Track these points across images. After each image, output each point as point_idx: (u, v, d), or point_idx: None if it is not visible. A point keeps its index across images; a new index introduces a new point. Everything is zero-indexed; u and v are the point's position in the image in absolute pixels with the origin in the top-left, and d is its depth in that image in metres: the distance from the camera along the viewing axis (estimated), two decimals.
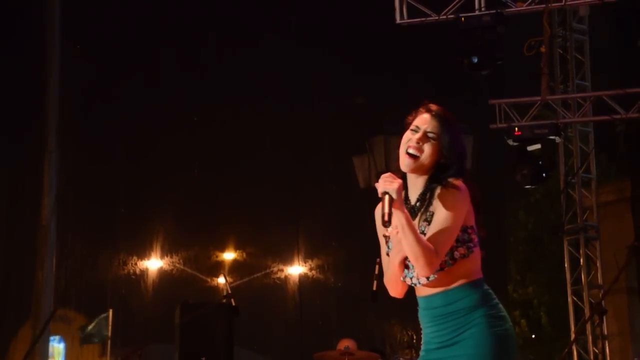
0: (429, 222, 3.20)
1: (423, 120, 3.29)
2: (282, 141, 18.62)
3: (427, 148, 3.25)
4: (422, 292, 3.28)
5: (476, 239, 3.25)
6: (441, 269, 3.19)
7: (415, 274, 3.24)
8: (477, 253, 3.25)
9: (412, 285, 3.29)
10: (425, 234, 3.17)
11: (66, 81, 15.77)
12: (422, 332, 3.37)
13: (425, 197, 3.26)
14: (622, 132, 13.70)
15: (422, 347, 3.35)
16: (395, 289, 3.35)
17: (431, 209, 3.22)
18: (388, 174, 3.19)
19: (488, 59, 8.88)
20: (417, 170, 3.26)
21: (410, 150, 3.24)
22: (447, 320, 3.22)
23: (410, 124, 3.31)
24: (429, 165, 3.26)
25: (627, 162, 12.84)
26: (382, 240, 3.39)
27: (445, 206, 3.19)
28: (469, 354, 3.17)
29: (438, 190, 3.23)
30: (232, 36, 18.32)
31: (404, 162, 3.25)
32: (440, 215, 3.19)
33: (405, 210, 3.12)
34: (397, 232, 3.17)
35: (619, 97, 9.75)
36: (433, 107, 3.33)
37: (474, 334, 3.19)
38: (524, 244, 18.00)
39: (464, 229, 3.22)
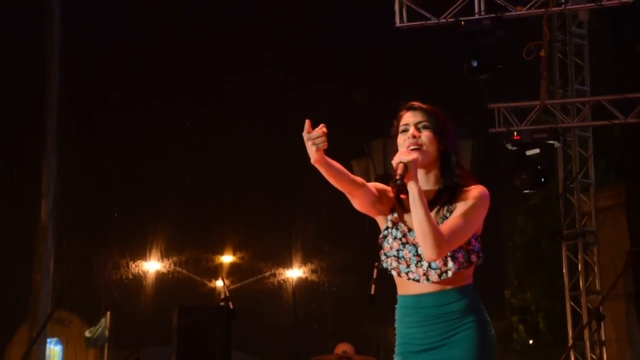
0: (447, 219, 3.18)
1: (408, 117, 3.30)
2: (277, 143, 18.61)
3: (424, 137, 3.25)
4: (411, 289, 3.24)
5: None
6: (458, 269, 3.17)
7: (422, 271, 3.20)
8: None
9: (414, 280, 3.22)
10: None
11: (65, 84, 15.77)
12: (397, 333, 3.30)
13: (443, 195, 3.24)
14: (620, 138, 13.69)
15: (398, 349, 3.29)
16: (344, 183, 3.19)
17: (452, 208, 3.20)
18: (404, 150, 3.19)
19: (487, 63, 8.87)
20: (426, 163, 3.24)
21: (412, 147, 3.23)
22: (438, 321, 3.18)
23: (396, 131, 3.32)
24: (434, 154, 3.25)
25: (621, 169, 12.81)
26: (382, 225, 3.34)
27: (469, 202, 3.19)
28: (458, 357, 3.15)
29: (461, 191, 3.23)
30: (227, 38, 18.33)
31: None
32: (462, 207, 3.18)
33: (419, 184, 3.09)
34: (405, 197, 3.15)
35: (618, 102, 9.73)
36: (410, 103, 3.34)
37: (464, 338, 3.17)
38: (523, 249, 17.98)
39: (476, 237, 3.24)
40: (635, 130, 10.60)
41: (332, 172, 3.12)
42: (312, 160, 3.06)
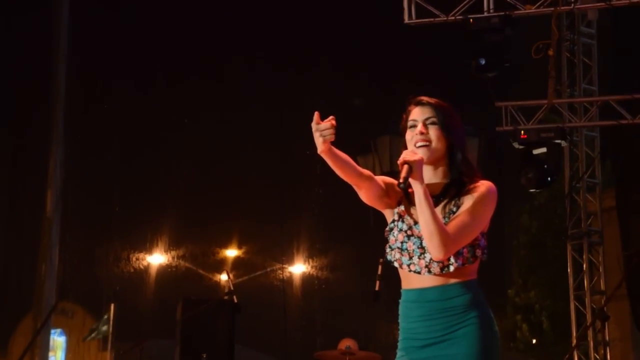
0: (454, 214, 3.18)
1: (416, 113, 3.29)
2: (274, 139, 18.61)
3: (432, 134, 3.24)
4: (415, 283, 3.23)
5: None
6: (462, 264, 3.17)
7: (424, 263, 3.19)
8: None
9: (415, 272, 3.21)
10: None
11: (72, 74, 15.78)
12: (400, 328, 3.29)
13: (450, 190, 3.24)
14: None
15: (401, 345, 3.27)
16: (352, 176, 3.19)
17: (459, 202, 3.20)
18: (410, 150, 3.19)
19: (496, 61, 8.85)
20: (434, 159, 3.24)
21: (420, 144, 3.23)
22: (441, 315, 3.17)
23: (405, 125, 3.31)
24: (442, 150, 3.25)
25: (612, 172, 12.74)
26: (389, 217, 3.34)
27: (476, 198, 3.19)
28: (462, 354, 3.14)
29: (468, 186, 3.22)
30: (226, 38, 18.33)
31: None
32: (469, 204, 3.18)
33: (424, 185, 3.08)
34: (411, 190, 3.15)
35: (626, 102, 9.71)
36: (419, 98, 3.33)
37: (468, 333, 3.16)
38: (527, 248, 17.98)
39: (483, 233, 3.23)
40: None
41: (339, 164, 3.12)
42: (319, 151, 3.07)
